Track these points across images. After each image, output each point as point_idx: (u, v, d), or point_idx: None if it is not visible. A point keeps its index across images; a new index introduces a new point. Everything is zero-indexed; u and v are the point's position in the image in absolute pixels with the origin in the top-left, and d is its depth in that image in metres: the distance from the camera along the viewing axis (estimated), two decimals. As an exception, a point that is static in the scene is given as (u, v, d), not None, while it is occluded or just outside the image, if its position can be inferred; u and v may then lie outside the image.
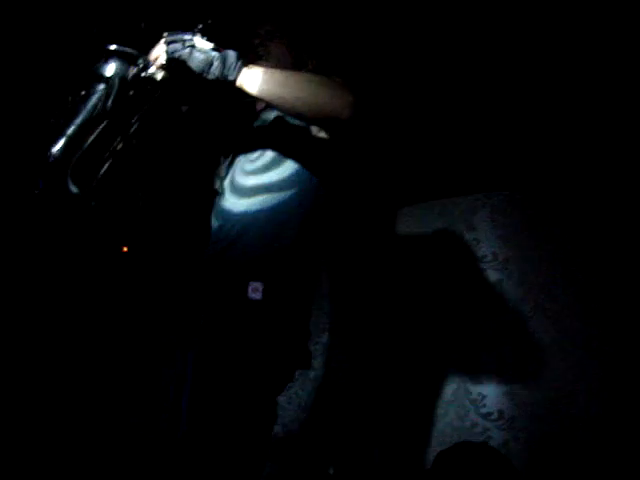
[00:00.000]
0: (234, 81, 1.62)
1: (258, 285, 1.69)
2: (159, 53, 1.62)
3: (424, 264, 3.43)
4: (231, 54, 1.61)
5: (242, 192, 1.86)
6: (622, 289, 2.97)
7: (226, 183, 1.94)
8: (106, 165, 1.59)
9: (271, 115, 1.93)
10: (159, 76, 1.61)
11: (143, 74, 1.60)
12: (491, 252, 3.23)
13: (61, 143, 1.48)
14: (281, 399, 3.81)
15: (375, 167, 3.24)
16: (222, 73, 1.61)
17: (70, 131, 1.50)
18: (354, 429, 3.55)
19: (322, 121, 1.74)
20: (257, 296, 1.68)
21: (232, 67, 1.61)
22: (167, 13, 2.05)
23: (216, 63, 1.60)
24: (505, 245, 3.22)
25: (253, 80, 1.62)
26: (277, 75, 1.65)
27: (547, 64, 2.66)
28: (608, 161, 3.09)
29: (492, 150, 3.17)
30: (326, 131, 1.80)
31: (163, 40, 1.62)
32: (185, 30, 1.69)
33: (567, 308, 3.06)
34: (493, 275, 3.20)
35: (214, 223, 1.93)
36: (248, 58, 1.95)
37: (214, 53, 1.60)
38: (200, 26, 1.72)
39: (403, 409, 3.31)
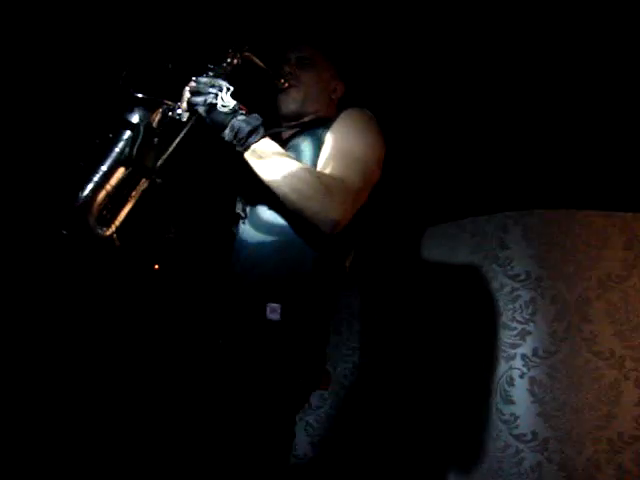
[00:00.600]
0: (242, 153, 1.72)
1: (276, 306, 1.70)
2: (185, 99, 1.70)
3: (456, 283, 3.40)
4: (243, 128, 1.68)
5: (262, 217, 1.87)
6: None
7: (248, 208, 1.96)
8: (131, 205, 1.66)
9: (299, 143, 1.96)
10: (184, 117, 1.69)
11: (170, 114, 1.69)
12: (524, 271, 3.18)
13: (88, 188, 1.56)
14: (310, 419, 3.81)
15: (402, 187, 3.24)
16: (232, 141, 1.70)
17: (97, 177, 1.57)
18: (385, 449, 3.51)
19: (302, 223, 1.75)
20: (275, 317, 1.70)
21: (242, 141, 1.69)
22: (193, 51, 2.11)
23: (227, 131, 1.69)
24: (538, 263, 3.16)
25: (258, 161, 1.71)
26: (282, 165, 1.70)
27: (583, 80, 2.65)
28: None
29: (524, 167, 3.15)
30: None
31: (188, 87, 1.70)
32: (212, 66, 1.77)
33: (601, 328, 3.00)
34: (526, 294, 3.15)
35: (236, 247, 1.95)
36: (279, 80, 2.02)
37: (230, 119, 1.68)
38: (228, 61, 1.80)
39: (435, 430, 3.26)
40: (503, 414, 3.04)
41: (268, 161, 1.70)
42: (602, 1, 2.29)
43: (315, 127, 1.99)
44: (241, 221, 1.96)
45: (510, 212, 3.29)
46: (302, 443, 3.73)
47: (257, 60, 1.89)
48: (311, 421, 3.78)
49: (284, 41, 2.15)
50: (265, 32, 2.30)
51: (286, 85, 2.04)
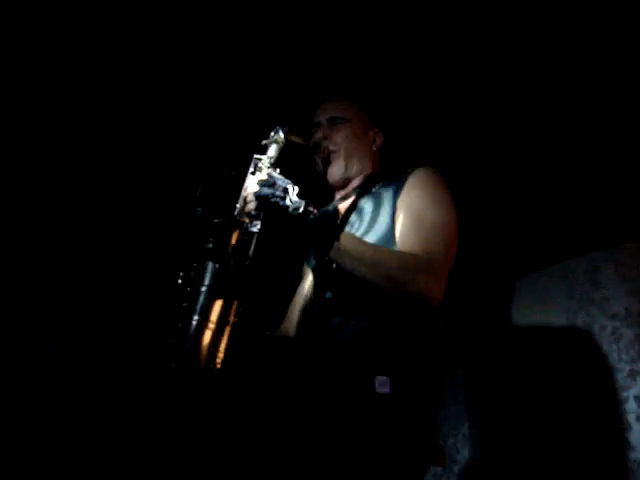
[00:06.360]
0: (328, 255, 1.65)
1: (385, 379, 1.64)
2: (251, 199, 1.63)
3: (554, 333, 3.26)
4: (323, 230, 1.61)
5: (350, 295, 1.80)
6: None
7: (331, 286, 1.88)
8: (229, 329, 1.61)
9: (362, 212, 1.94)
10: (257, 227, 1.63)
11: (246, 228, 1.63)
12: (623, 308, 3.02)
13: (192, 331, 1.53)
14: (426, 498, 3.61)
15: (481, 243, 3.16)
16: (314, 245, 1.67)
17: (197, 317, 1.55)
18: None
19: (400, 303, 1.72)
20: (385, 390, 1.62)
21: (325, 243, 1.63)
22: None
23: (307, 235, 1.63)
24: (637, 298, 3.00)
25: (344, 258, 1.64)
26: (370, 256, 1.65)
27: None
28: None
29: (607, 203, 3.06)
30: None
31: (252, 193, 1.63)
32: (258, 156, 1.74)
33: None
34: (629, 332, 2.97)
35: (325, 329, 1.85)
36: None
37: (306, 222, 1.59)
38: (273, 147, 1.76)
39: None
40: (625, 462, 2.80)
41: (355, 255, 1.64)
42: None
43: (372, 188, 1.98)
44: (326, 301, 1.88)
45: (598, 251, 3.17)
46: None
47: (296, 138, 1.85)
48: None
49: (311, 104, 2.11)
50: (290, 102, 2.27)
51: (326, 153, 2.02)
